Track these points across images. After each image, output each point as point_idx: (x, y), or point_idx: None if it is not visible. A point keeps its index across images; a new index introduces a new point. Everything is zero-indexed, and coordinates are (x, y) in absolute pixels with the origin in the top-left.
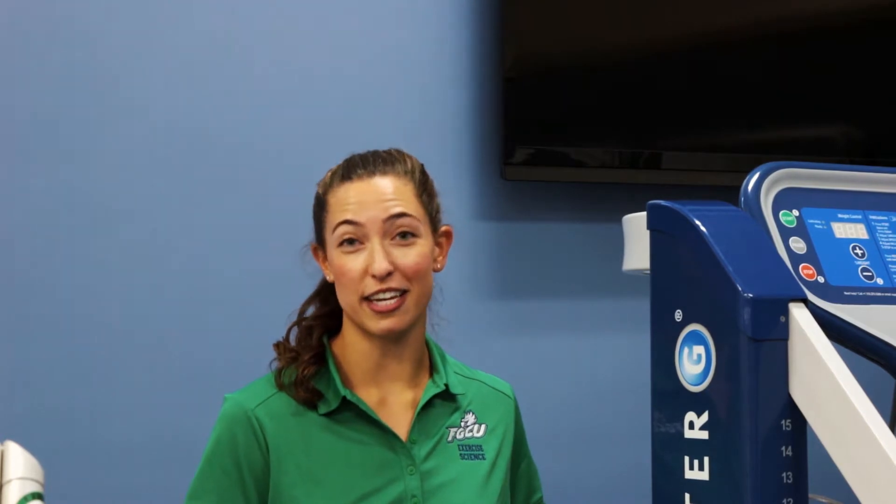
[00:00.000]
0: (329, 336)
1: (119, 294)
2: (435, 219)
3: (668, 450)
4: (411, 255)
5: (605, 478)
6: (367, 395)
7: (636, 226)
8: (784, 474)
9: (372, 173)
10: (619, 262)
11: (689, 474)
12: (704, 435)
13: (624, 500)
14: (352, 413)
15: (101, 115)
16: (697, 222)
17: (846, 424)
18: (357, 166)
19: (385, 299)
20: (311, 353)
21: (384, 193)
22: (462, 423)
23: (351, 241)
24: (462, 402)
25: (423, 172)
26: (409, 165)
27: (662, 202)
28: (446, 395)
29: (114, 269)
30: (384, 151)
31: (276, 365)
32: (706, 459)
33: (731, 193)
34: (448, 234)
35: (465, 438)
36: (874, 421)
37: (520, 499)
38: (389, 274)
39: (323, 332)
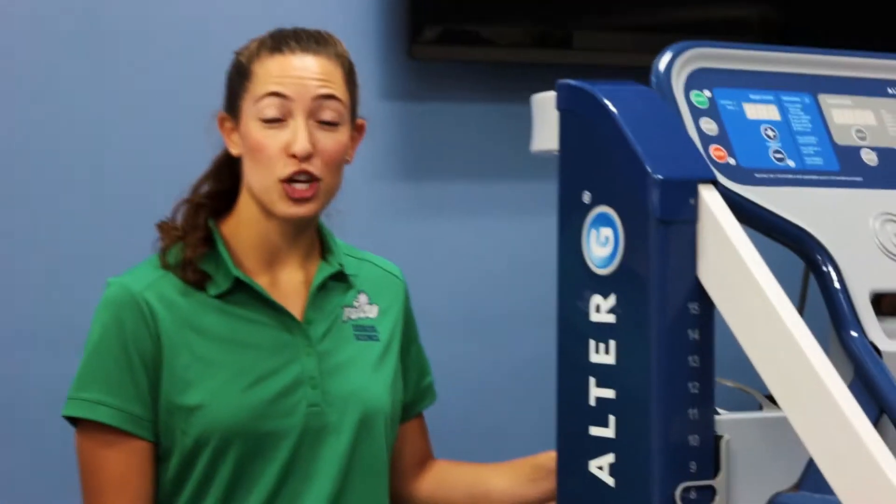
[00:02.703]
0: (216, 217)
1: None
2: (355, 110)
3: (574, 334)
4: (332, 142)
5: (512, 364)
6: (259, 276)
7: (545, 106)
8: (690, 358)
9: (305, 50)
10: (529, 143)
11: (595, 358)
12: (611, 318)
13: (529, 385)
14: (244, 294)
15: None
16: (607, 102)
17: (754, 308)
18: (289, 39)
19: (301, 181)
20: (198, 233)
21: (316, 72)
22: (355, 304)
23: (273, 118)
24: (354, 282)
25: (351, 61)
26: (340, 50)
27: (572, 81)
28: (339, 276)
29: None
30: (314, 30)
31: (159, 246)
32: (612, 343)
33: (642, 74)
34: (361, 129)
35: (358, 319)
36: (782, 305)
37: (411, 383)
38: (309, 156)
39: (210, 213)
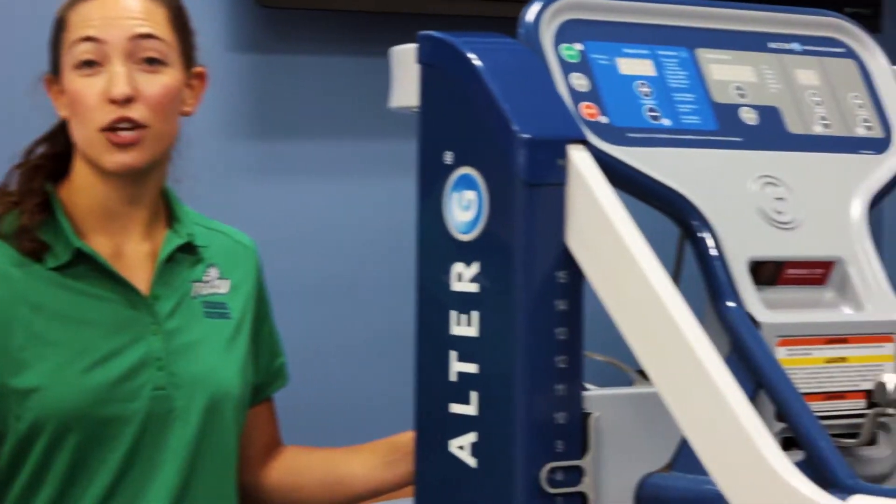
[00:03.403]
0: (54, 182)
1: None
2: (189, 55)
3: (434, 304)
4: (156, 85)
5: (367, 335)
6: (101, 247)
7: (405, 59)
8: (558, 330)
9: None
10: (388, 98)
11: (456, 330)
12: (474, 288)
13: (389, 361)
14: (85, 267)
15: None
16: (470, 55)
17: (624, 277)
18: None
19: (124, 129)
20: (35, 199)
21: (132, 11)
22: (205, 278)
23: (90, 63)
24: (204, 254)
25: (179, 3)
26: None
27: (433, 33)
28: (187, 248)
29: None
30: None
31: None
32: (475, 314)
33: (510, 25)
34: (202, 77)
35: (209, 295)
36: (655, 273)
37: (262, 364)
38: (130, 100)
39: (46, 177)
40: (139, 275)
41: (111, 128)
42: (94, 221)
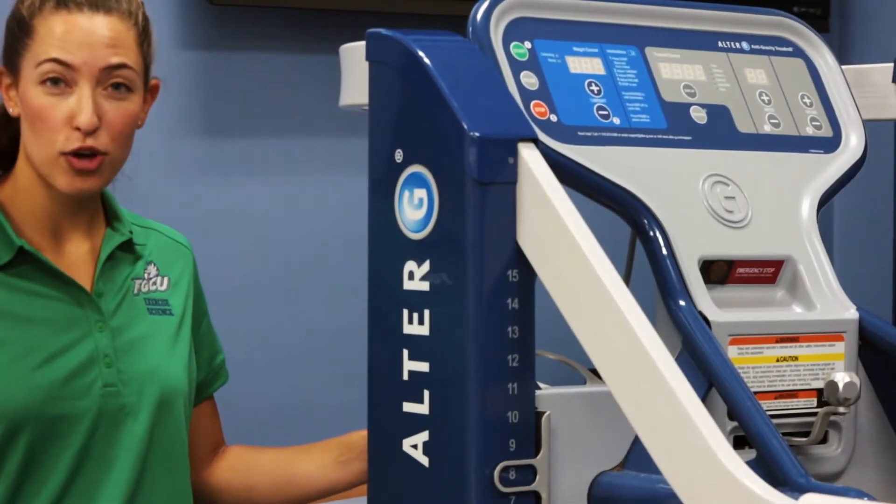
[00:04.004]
0: None
1: None
2: (148, 72)
3: (386, 303)
4: (121, 113)
5: (318, 334)
6: (43, 247)
7: (354, 57)
8: (510, 328)
9: (94, 7)
10: (338, 96)
11: (408, 329)
12: (425, 286)
13: (337, 358)
14: (28, 266)
15: None
16: (420, 53)
17: (576, 275)
18: None
19: (85, 155)
20: None
21: (105, 37)
22: (145, 275)
23: (55, 82)
24: (143, 252)
25: (145, 15)
26: (134, 6)
27: (383, 30)
28: (126, 246)
29: None
30: None
31: None
32: (427, 313)
33: (460, 23)
34: (155, 90)
35: (150, 292)
36: (606, 272)
37: (203, 362)
38: (94, 130)
39: None
40: (82, 273)
41: (72, 153)
42: (35, 224)
